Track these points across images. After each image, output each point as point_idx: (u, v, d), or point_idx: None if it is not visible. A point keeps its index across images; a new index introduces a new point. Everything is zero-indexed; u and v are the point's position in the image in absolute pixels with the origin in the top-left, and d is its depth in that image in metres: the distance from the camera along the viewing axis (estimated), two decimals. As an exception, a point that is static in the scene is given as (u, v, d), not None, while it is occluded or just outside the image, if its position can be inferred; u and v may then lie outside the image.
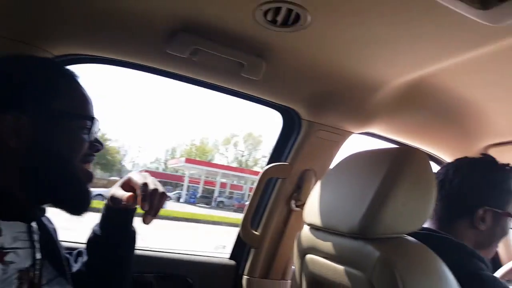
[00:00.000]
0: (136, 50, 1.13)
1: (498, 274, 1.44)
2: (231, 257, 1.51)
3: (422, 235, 0.90)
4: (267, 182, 1.45)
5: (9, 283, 0.63)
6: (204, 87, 1.28)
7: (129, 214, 0.87)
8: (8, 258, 0.63)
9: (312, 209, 0.99)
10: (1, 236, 0.63)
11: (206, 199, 24.02)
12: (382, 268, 0.75)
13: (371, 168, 0.88)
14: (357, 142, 1.43)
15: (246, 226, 1.42)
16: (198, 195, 24.56)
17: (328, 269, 0.91)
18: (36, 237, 0.71)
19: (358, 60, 1.10)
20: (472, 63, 1.01)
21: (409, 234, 0.84)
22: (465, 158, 1.05)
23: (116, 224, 0.86)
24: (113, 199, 0.83)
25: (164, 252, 1.41)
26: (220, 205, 22.98)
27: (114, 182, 0.91)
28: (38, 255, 0.70)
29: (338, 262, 0.88)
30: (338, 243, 0.89)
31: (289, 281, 1.45)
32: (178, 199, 23.07)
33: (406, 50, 1.01)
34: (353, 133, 1.43)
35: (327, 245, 0.92)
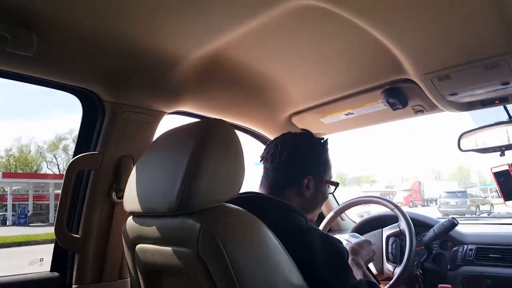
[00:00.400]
0: None
1: (321, 226, 1.67)
2: (52, 269, 1.33)
3: (246, 198, 0.97)
4: (79, 176, 1.31)
5: None
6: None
7: None
8: None
9: (131, 196, 0.95)
10: None
11: (41, 216, 20.89)
12: (205, 239, 0.76)
13: (180, 144, 0.88)
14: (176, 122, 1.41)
15: (62, 230, 1.25)
16: (29, 213, 21.18)
17: (158, 254, 0.90)
18: None
19: (148, 32, 1.08)
20: (255, 34, 1.10)
21: (233, 198, 0.87)
22: (289, 133, 1.16)
23: None
24: None
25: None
26: (60, 220, 20.39)
27: None
28: None
29: (165, 244, 0.87)
30: (162, 225, 0.88)
31: (128, 278, 1.36)
32: (4, 222, 19.38)
33: (195, 20, 1.03)
34: (165, 112, 1.41)
35: (152, 230, 0.90)
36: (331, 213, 1.69)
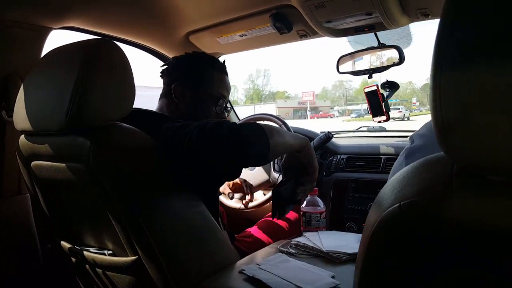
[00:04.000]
0: None
1: None
2: None
3: (132, 115, 0.98)
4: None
5: None
6: None
7: None
8: None
9: (20, 114, 0.95)
10: None
11: None
12: (95, 155, 0.81)
13: (67, 63, 0.87)
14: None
15: None
16: None
17: (53, 170, 0.93)
18: None
19: None
20: None
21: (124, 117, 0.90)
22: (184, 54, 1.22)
23: None
24: None
25: None
26: None
27: None
28: None
29: (58, 161, 0.91)
30: (53, 142, 0.91)
31: (27, 194, 1.37)
32: None
33: None
34: (52, 28, 1.34)
35: (44, 148, 0.92)
36: None
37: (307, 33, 1.57)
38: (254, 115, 1.82)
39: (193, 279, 0.91)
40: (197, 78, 1.17)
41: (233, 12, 1.50)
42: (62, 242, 1.09)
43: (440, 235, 0.38)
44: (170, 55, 1.81)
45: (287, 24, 1.47)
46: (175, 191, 0.92)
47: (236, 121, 2.18)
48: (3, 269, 1.31)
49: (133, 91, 0.90)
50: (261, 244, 1.27)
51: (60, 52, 0.94)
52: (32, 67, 1.00)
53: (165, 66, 1.24)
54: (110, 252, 0.98)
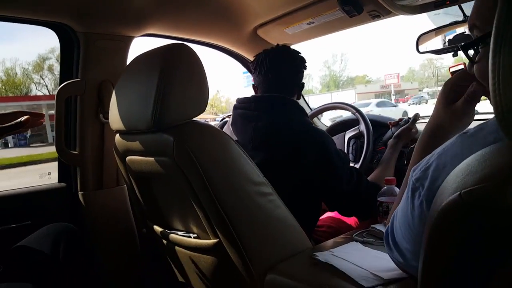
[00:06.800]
0: None
1: None
2: (60, 180, 1.55)
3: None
4: (68, 102, 1.45)
5: None
6: None
7: None
8: None
9: (114, 116, 1.08)
10: None
11: (40, 136, 21.17)
12: (178, 149, 0.90)
13: (150, 67, 0.96)
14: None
15: (62, 148, 1.44)
16: (28, 134, 21.34)
17: (144, 164, 1.06)
18: None
19: None
20: None
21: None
22: (271, 49, 1.32)
23: None
24: None
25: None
26: (59, 138, 20.61)
27: None
28: None
29: (148, 155, 1.02)
30: (143, 139, 1.02)
31: (125, 185, 1.56)
32: (6, 145, 19.72)
33: None
34: (133, 37, 1.47)
35: (136, 144, 1.05)
36: None
37: (379, 14, 1.48)
38: (332, 103, 1.78)
39: (269, 262, 0.96)
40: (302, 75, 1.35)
41: (299, 0, 1.48)
42: (155, 226, 1.22)
43: (503, 226, 0.35)
44: (239, 51, 1.87)
45: (357, 6, 1.41)
46: (249, 182, 0.97)
47: (308, 111, 2.17)
48: (107, 250, 1.51)
49: (207, 90, 0.97)
50: (334, 232, 1.27)
51: (142, 59, 1.04)
52: (121, 74, 1.11)
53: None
54: (195, 235, 1.08)
